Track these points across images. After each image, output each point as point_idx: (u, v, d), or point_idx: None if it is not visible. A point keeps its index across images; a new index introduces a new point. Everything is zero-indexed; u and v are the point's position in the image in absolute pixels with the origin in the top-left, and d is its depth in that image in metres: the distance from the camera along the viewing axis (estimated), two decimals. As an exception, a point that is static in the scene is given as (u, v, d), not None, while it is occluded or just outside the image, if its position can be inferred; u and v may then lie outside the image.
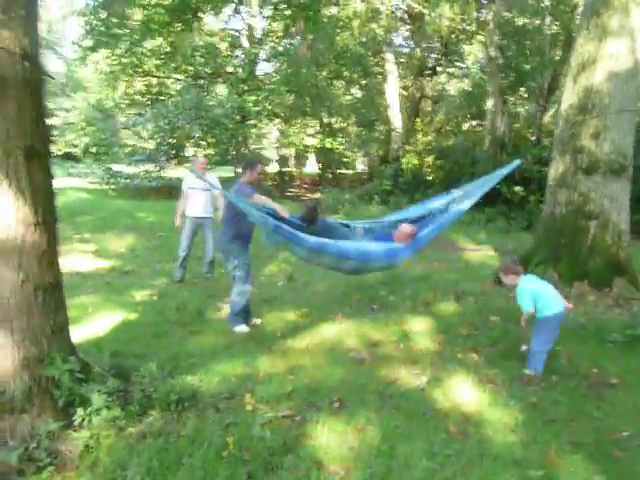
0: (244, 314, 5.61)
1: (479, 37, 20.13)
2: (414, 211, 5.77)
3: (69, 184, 19.51)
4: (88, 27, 21.59)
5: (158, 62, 24.24)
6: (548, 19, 18.31)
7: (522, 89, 22.54)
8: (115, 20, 21.60)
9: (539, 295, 4.42)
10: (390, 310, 6.25)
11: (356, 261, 5.12)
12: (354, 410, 3.78)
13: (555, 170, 6.77)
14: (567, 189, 6.53)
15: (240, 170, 23.56)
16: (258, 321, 5.78)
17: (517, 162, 5.64)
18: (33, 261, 3.24)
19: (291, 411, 3.74)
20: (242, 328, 5.50)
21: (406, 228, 5.32)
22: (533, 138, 19.18)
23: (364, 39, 22.51)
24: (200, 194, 7.60)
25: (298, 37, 22.36)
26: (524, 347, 4.75)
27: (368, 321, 5.82)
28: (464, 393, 4.08)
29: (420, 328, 5.59)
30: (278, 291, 7.29)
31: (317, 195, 23.52)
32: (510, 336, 5.29)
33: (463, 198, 5.47)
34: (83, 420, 3.15)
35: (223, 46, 24.90)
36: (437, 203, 5.65)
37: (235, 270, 5.49)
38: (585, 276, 6.19)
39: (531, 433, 3.49)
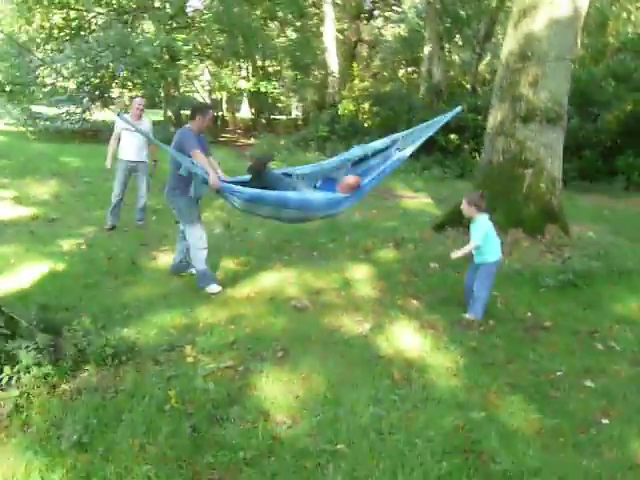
0: (210, 273, 5.17)
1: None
2: (355, 152, 5.57)
3: (-19, 125, 18.08)
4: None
5: (77, -7, 22.42)
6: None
7: (458, 36, 22.55)
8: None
9: (489, 238, 4.47)
10: (330, 258, 6.21)
11: (296, 210, 4.97)
12: (298, 359, 3.74)
13: (494, 118, 6.80)
14: (505, 137, 6.58)
15: (170, 114, 22.52)
16: (194, 270, 5.32)
17: (458, 108, 5.60)
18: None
19: (234, 362, 3.65)
20: (213, 288, 5.03)
21: (350, 179, 5.17)
22: (468, 86, 19.35)
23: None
24: (134, 136, 7.13)
25: None
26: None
27: (308, 269, 5.75)
28: (406, 339, 4.12)
29: (361, 275, 5.59)
30: (214, 239, 7.01)
31: (251, 140, 22.99)
32: (449, 282, 5.40)
33: (405, 143, 5.37)
34: (11, 379, 2.92)
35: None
36: (379, 144, 5.51)
37: (183, 223, 5.18)
38: (520, 223, 6.34)
39: (472, 376, 3.57)
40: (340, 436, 2.85)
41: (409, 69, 26.66)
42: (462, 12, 20.05)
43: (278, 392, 3.29)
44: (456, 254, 4.52)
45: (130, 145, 7.20)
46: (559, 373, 3.68)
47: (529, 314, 4.69)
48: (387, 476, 2.55)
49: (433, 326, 4.37)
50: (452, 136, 14.47)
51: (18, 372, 2.93)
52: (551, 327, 4.45)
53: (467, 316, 4.53)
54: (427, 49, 18.16)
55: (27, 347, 3.00)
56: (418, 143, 5.31)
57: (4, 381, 2.92)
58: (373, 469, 2.60)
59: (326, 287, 5.25)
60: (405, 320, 4.46)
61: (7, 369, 2.92)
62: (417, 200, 10.51)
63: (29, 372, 2.97)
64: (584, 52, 18.35)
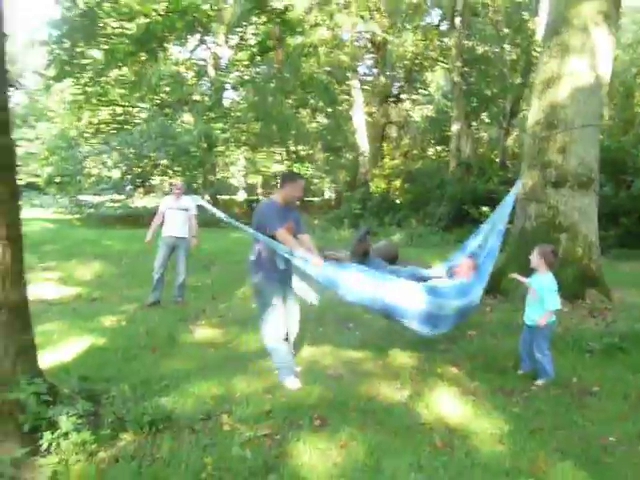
0: (289, 365, 4.54)
1: (441, 64, 20.66)
2: (457, 255, 5.68)
3: (32, 215, 19.04)
4: (51, 57, 21.41)
5: (123, 91, 24.14)
6: (508, 46, 18.93)
7: (485, 114, 23.15)
8: (79, 50, 21.50)
9: None
10: (365, 328, 6.16)
11: (427, 299, 4.56)
12: (336, 427, 3.66)
13: (524, 185, 6.87)
14: (537, 203, 6.63)
15: (208, 198, 23.30)
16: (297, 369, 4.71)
17: (518, 183, 5.66)
18: (-4, 278, 3.08)
19: (271, 430, 3.60)
20: (291, 382, 4.42)
21: (466, 261, 5.23)
22: (497, 160, 19.62)
23: (329, 68, 22.87)
24: (177, 214, 7.47)
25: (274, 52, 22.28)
26: (520, 372, 4.67)
27: (344, 340, 5.71)
28: (447, 406, 4.00)
29: (397, 345, 5.51)
30: (250, 313, 7.11)
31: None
32: (488, 349, 5.27)
33: (493, 228, 5.39)
34: (50, 445, 2.95)
35: (189, 75, 24.96)
36: (474, 242, 5.60)
37: (261, 313, 4.55)
38: (559, 288, 6.21)
39: (518, 443, 3.43)
40: (381, 503, 2.74)
41: (438, 147, 27.27)
42: (487, 91, 20.70)
43: (316, 460, 3.21)
44: (541, 322, 4.38)
45: (173, 222, 7.48)
46: (611, 439, 3.49)
47: (575, 379, 4.51)
48: None
49: (474, 393, 4.24)
50: (484, 208, 14.54)
51: (57, 438, 2.96)
52: (599, 392, 4.26)
53: (539, 382, 4.41)
54: (455, 127, 18.65)
55: (67, 413, 3.04)
56: (505, 219, 5.29)
57: (44, 447, 2.95)
58: (417, 537, 2.47)
59: (362, 356, 5.18)
60: (445, 387, 4.35)
61: (47, 435, 2.96)
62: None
63: (68, 439, 2.98)
64: (612, 123, 18.56)
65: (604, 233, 11.07)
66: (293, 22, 19.41)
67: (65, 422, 2.98)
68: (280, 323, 4.46)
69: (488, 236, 5.35)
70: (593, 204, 6.59)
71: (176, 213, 7.47)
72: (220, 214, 4.46)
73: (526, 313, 4.59)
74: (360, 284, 4.51)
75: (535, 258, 4.51)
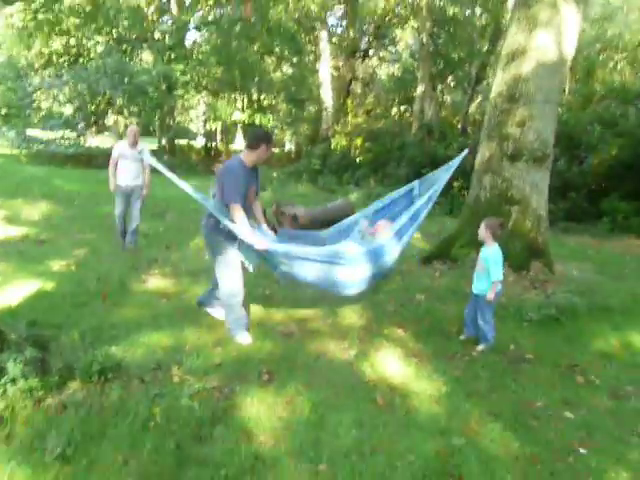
0: (244, 319, 4.60)
1: (411, 23, 20.41)
2: (375, 205, 5.69)
3: (-24, 146, 18.17)
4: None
5: (78, 21, 22.83)
6: (479, 10, 18.83)
7: (450, 77, 23.16)
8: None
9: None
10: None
11: (347, 268, 4.47)
12: (283, 382, 3.78)
13: (482, 155, 7.01)
14: (492, 174, 6.78)
15: (165, 142, 22.59)
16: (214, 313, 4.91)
17: (465, 152, 5.71)
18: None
19: (220, 383, 3.69)
20: (244, 337, 4.50)
21: (381, 223, 5.25)
22: (459, 126, 19.79)
23: (297, 15, 22.27)
24: (131, 164, 7.35)
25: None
26: (462, 337, 4.86)
27: (296, 297, 5.80)
28: (391, 366, 4.17)
29: (348, 305, 5.63)
30: (204, 265, 7.09)
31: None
32: (435, 313, 5.46)
33: (422, 190, 5.46)
34: (-3, 391, 2.95)
35: (150, 10, 23.82)
36: (396, 194, 5.65)
37: (218, 269, 4.48)
38: (505, 259, 6.41)
39: (454, 404, 3.63)
40: (322, 457, 2.88)
41: (402, 107, 27.23)
42: (454, 55, 20.66)
43: (262, 414, 3.32)
44: (490, 296, 4.51)
45: (127, 171, 7.36)
46: (539, 404, 3.73)
47: (512, 347, 4.75)
48: (367, 497, 2.58)
49: (418, 355, 4.43)
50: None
51: (4, 384, 2.95)
52: (533, 360, 4.51)
53: (480, 348, 4.62)
54: (420, 89, 18.63)
55: (15, 359, 3.02)
56: (437, 188, 5.33)
57: (-9, 392, 2.95)
58: (354, 489, 2.63)
59: (313, 315, 5.29)
60: (390, 348, 4.52)
61: (-6, 380, 2.95)
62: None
63: (15, 384, 2.98)
64: (572, 98, 18.91)
65: (553, 206, 11.42)
66: None
67: (12, 368, 2.98)
68: (240, 280, 4.47)
69: (410, 204, 5.39)
70: (545, 179, 6.79)
71: (130, 162, 7.34)
72: (165, 171, 4.21)
73: (474, 283, 4.77)
74: (308, 264, 4.43)
75: (482, 230, 4.66)
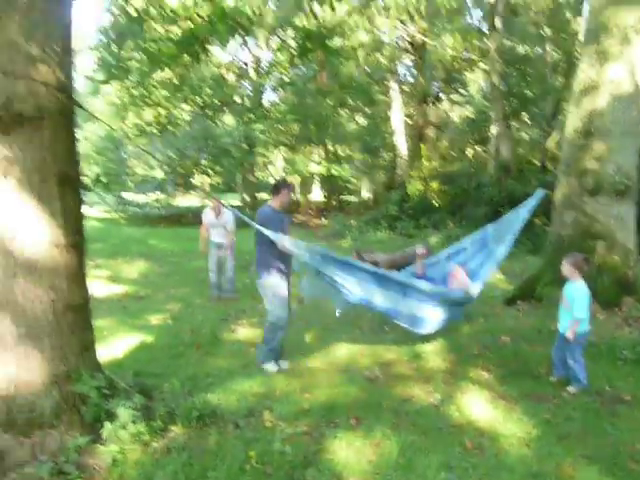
0: (276, 353, 5.18)
1: (481, 65, 20.52)
2: (449, 249, 6.14)
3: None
4: (100, 61, 22.14)
5: (166, 93, 24.74)
6: (549, 46, 18.69)
7: (525, 115, 22.86)
8: (126, 54, 22.16)
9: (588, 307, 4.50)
10: (400, 331, 6.32)
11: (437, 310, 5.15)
12: (370, 426, 3.86)
13: (561, 192, 6.92)
14: (573, 210, 6.67)
15: (247, 197, 23.69)
16: (285, 365, 5.21)
17: (542, 192, 5.81)
18: (63, 281, 3.39)
19: (309, 427, 3.83)
20: (269, 367, 5.07)
21: (457, 270, 5.68)
22: (538, 163, 19.39)
23: (368, 68, 22.99)
24: (218, 229, 8.15)
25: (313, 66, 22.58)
26: (552, 378, 4.78)
27: (380, 342, 5.91)
28: (477, 409, 4.16)
29: (431, 348, 5.67)
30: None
31: (323, 221, 23.72)
32: (521, 355, 5.36)
33: (500, 234, 5.69)
34: (110, 434, 3.25)
35: (230, 77, 25.42)
36: (471, 238, 6.17)
37: (270, 304, 5.08)
38: (594, 296, 6.20)
39: (545, 447, 3.56)
40: (412, 499, 2.94)
41: (477, 148, 27.04)
42: (528, 92, 20.47)
43: (351, 457, 3.43)
44: (570, 335, 4.47)
45: (216, 234, 8.15)
46: (639, 447, 3.59)
47: (607, 388, 4.59)
48: (458, 538, 2.61)
49: (504, 397, 4.38)
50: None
51: (117, 428, 3.25)
52: (630, 401, 4.34)
53: (571, 389, 4.52)
54: (494, 128, 18.49)
55: (125, 406, 3.33)
56: (515, 232, 5.60)
57: (105, 436, 3.25)
58: (445, 531, 2.66)
59: (397, 359, 5.37)
60: (476, 391, 4.50)
61: (108, 425, 3.26)
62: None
63: (126, 429, 3.28)
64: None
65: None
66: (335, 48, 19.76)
67: (123, 414, 3.28)
68: (287, 313, 5.09)
69: (492, 250, 5.65)
70: (631, 212, 6.59)
71: (218, 229, 8.14)
72: (242, 216, 4.99)
73: (559, 321, 4.69)
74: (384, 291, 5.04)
75: (565, 267, 4.61)
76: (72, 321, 3.45)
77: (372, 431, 3.78)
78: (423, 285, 5.22)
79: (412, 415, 4.06)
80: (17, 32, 3.17)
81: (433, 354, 5.46)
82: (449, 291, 5.63)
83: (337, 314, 5.18)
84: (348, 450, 3.50)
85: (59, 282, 3.37)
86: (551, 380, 4.75)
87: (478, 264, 5.67)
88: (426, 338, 5.79)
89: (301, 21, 21.78)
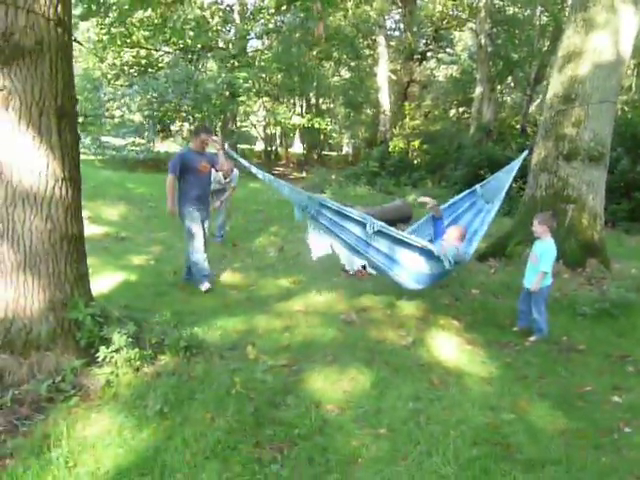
0: (207, 271, 5.98)
1: (470, 24, 20.42)
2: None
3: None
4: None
5: (147, 33, 24.06)
6: (538, 10, 18.65)
7: (510, 78, 22.94)
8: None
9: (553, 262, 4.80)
10: (377, 280, 6.60)
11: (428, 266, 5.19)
12: (346, 363, 4.15)
13: (538, 155, 7.17)
14: (548, 173, 6.94)
15: (227, 146, 23.62)
16: (206, 286, 5.92)
17: (525, 153, 6.12)
18: (60, 212, 3.54)
19: (289, 361, 4.12)
20: (205, 286, 5.88)
21: (455, 229, 5.71)
22: (518, 127, 19.63)
23: (355, 20, 22.66)
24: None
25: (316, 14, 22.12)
26: (516, 329, 5.12)
27: (357, 289, 6.18)
28: (445, 352, 4.48)
29: (406, 297, 5.94)
30: (270, 261, 7.62)
31: (304, 174, 23.77)
32: (489, 307, 5.70)
33: (488, 195, 5.94)
34: (105, 358, 3.46)
35: (214, 21, 24.79)
36: (459, 198, 6.30)
37: (187, 234, 5.94)
38: (561, 256, 6.58)
39: (505, 386, 3.90)
40: (382, 424, 3.24)
41: (460, 109, 27.15)
42: (514, 55, 20.50)
43: (328, 387, 3.72)
44: (534, 286, 4.78)
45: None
46: (588, 388, 3.95)
47: (564, 338, 4.95)
48: (424, 456, 2.92)
49: (471, 343, 4.71)
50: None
51: (111, 352, 3.47)
52: (585, 350, 4.70)
53: (533, 338, 4.85)
54: (478, 90, 18.62)
55: (119, 332, 3.54)
56: (502, 193, 5.85)
57: (100, 359, 3.47)
58: (411, 450, 2.97)
59: (373, 306, 5.66)
60: (446, 336, 4.82)
61: (103, 349, 3.47)
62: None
63: (119, 353, 3.49)
64: (637, 95, 18.43)
65: (616, 207, 11.33)
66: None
67: (118, 339, 3.49)
68: (202, 242, 5.89)
69: (480, 209, 5.86)
70: (602, 178, 6.89)
71: (220, 186, 8.14)
72: (245, 163, 5.32)
73: (526, 276, 5.00)
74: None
75: (537, 226, 4.89)
76: (67, 251, 3.61)
77: (347, 367, 4.06)
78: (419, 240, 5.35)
79: (385, 355, 4.36)
80: (18, -38, 3.20)
81: (407, 303, 5.75)
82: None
83: (350, 270, 5.45)
84: (325, 382, 3.79)
85: (56, 213, 3.51)
86: (515, 330, 5.09)
87: (469, 222, 5.94)
88: (402, 290, 6.08)
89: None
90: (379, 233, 5.12)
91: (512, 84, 24.02)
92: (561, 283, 6.30)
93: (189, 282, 6.13)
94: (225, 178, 8.03)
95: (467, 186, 6.55)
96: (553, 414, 3.51)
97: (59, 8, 3.39)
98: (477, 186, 6.27)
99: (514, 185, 14.49)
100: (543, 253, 4.78)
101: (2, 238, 3.38)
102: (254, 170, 5.23)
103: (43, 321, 3.49)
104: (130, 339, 3.58)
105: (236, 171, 8.21)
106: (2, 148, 3.30)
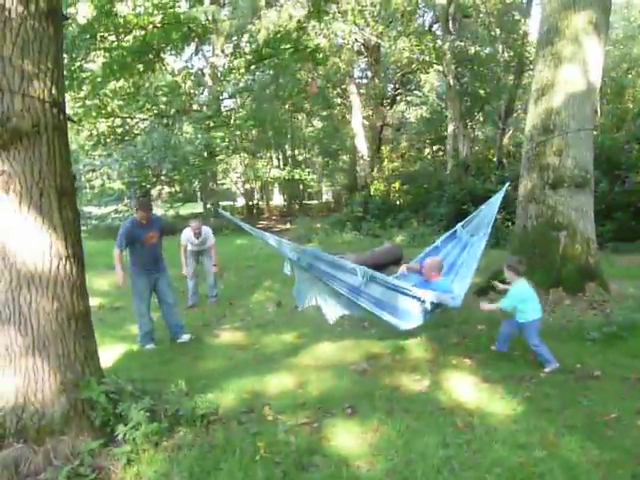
0: (149, 334, 6.31)
1: (435, 66, 21.10)
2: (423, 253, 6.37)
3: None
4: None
5: (121, 103, 24.44)
6: (500, 47, 19.38)
7: (480, 113, 23.59)
8: (78, 64, 21.84)
9: (528, 299, 4.93)
10: (381, 326, 6.56)
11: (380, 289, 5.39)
12: (366, 414, 4.07)
13: (524, 187, 7.31)
14: (536, 203, 7.06)
15: (209, 206, 23.53)
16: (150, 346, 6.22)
17: (506, 185, 6.27)
18: (66, 291, 3.48)
19: (308, 419, 4.02)
20: (149, 346, 6.19)
21: (428, 261, 5.77)
22: (495, 159, 20.06)
23: (323, 72, 23.32)
24: (197, 247, 8.33)
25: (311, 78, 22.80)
26: (493, 347, 5.37)
27: (363, 338, 6.13)
28: (464, 392, 4.42)
29: (413, 341, 5.91)
30: (270, 316, 7.56)
31: (288, 225, 23.88)
32: (496, 341, 5.66)
33: (473, 227, 6.00)
34: (124, 436, 3.35)
35: (186, 85, 25.30)
36: (445, 236, 6.38)
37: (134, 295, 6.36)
38: (559, 283, 6.66)
39: (530, 421, 3.84)
40: (416, 475, 3.16)
41: (434, 147, 27.73)
42: (481, 91, 21.14)
43: (353, 442, 3.63)
44: (485, 306, 5.21)
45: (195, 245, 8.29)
46: (613, 415, 3.91)
47: (578, 365, 4.92)
48: (464, 505, 2.84)
49: (487, 380, 4.66)
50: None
51: (130, 429, 3.36)
52: (601, 376, 4.68)
53: (546, 370, 4.85)
54: (451, 127, 19.07)
55: (136, 408, 3.44)
56: (488, 225, 5.90)
57: (120, 437, 3.36)
58: (450, 500, 2.89)
59: (381, 352, 5.59)
60: (460, 376, 4.76)
61: (121, 427, 3.36)
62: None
63: (138, 430, 3.39)
64: (605, 119, 19.03)
65: (601, 228, 11.50)
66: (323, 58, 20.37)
67: (136, 415, 3.39)
68: (146, 305, 6.31)
69: (467, 243, 5.95)
70: (589, 202, 7.03)
71: (197, 247, 8.29)
72: (240, 223, 5.62)
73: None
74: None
75: (505, 272, 5.10)
76: (75, 329, 3.54)
77: (368, 418, 3.98)
78: (409, 286, 5.45)
79: (404, 402, 4.28)
80: (11, 49, 3.25)
81: (415, 346, 5.70)
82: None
83: (330, 321, 5.63)
84: (349, 436, 3.70)
85: (62, 292, 3.46)
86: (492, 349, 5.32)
87: (455, 257, 5.99)
88: (407, 332, 6.03)
89: (257, 28, 21.99)
90: (371, 279, 5.34)
91: (482, 119, 24.69)
92: (564, 310, 6.33)
93: (178, 337, 6.46)
94: (197, 238, 8.08)
95: (453, 222, 6.62)
96: (584, 446, 3.45)
97: (54, 90, 3.44)
98: (458, 226, 6.23)
99: (498, 216, 14.78)
100: (509, 292, 4.97)
101: (9, 323, 3.32)
102: (247, 227, 5.56)
103: (56, 404, 3.38)
104: (146, 414, 3.47)
105: (206, 228, 8.29)
106: (5, 232, 3.28)
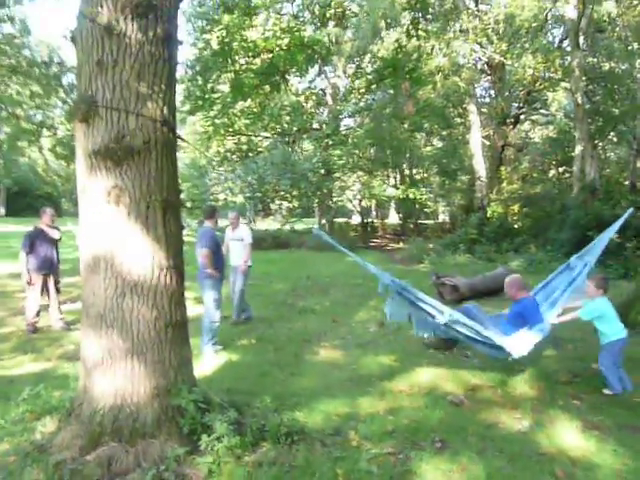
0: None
1: (563, 84, 19.96)
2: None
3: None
4: (187, 93, 23.56)
5: (247, 122, 25.78)
6: (638, 62, 17.93)
7: (612, 133, 21.93)
8: (210, 85, 23.45)
9: (608, 317, 4.89)
10: (485, 357, 6.22)
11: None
12: (456, 450, 3.85)
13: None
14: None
15: (324, 222, 24.05)
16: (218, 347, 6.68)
17: (630, 211, 5.78)
18: (165, 300, 3.66)
19: (394, 449, 3.87)
20: (214, 352, 6.54)
21: (509, 280, 5.74)
22: (627, 183, 18.51)
23: (443, 91, 22.95)
24: (235, 244, 8.33)
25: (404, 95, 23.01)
26: (606, 391, 4.97)
27: (464, 367, 5.84)
28: (568, 438, 4.04)
29: (518, 375, 5.54)
30: (370, 336, 7.45)
31: (400, 245, 23.63)
32: (614, 384, 5.15)
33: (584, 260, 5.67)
34: (207, 446, 3.43)
35: (309, 104, 26.11)
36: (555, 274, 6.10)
37: (207, 303, 6.88)
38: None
39: (643, 480, 3.42)
40: (502, 524, 2.91)
41: (560, 169, 26.14)
42: (615, 110, 19.66)
43: (438, 479, 3.43)
44: (561, 318, 5.21)
45: (233, 251, 8.35)
46: None
47: None
48: None
49: (598, 427, 4.22)
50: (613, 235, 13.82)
51: (213, 441, 3.44)
52: None
53: (605, 392, 4.80)
54: (578, 148, 17.87)
55: (220, 420, 3.52)
56: (597, 253, 5.67)
57: (202, 447, 3.45)
58: None
59: (482, 384, 5.29)
60: (567, 420, 4.37)
61: (205, 437, 3.45)
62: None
63: (221, 442, 3.45)
64: None
65: None
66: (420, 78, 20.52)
67: (220, 427, 3.46)
68: (219, 311, 6.83)
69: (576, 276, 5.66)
70: None
71: (234, 243, 8.30)
72: (330, 241, 5.64)
73: None
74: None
75: (588, 288, 5.08)
76: (172, 338, 3.71)
77: (458, 455, 3.76)
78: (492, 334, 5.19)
79: (499, 441, 4.00)
80: (129, 73, 3.51)
81: (520, 381, 5.34)
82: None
83: (426, 338, 5.53)
84: (435, 473, 3.51)
85: (161, 301, 3.64)
86: None
87: (563, 284, 5.65)
88: (512, 365, 5.67)
89: (378, 49, 22.24)
90: (457, 322, 5.14)
91: (615, 139, 22.92)
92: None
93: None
94: (233, 229, 8.20)
95: (575, 249, 6.16)
96: None
97: (165, 110, 3.66)
98: (573, 258, 5.97)
99: (629, 245, 13.56)
100: (587, 304, 5.04)
101: (112, 327, 3.54)
102: (345, 250, 5.74)
103: (149, 408, 3.55)
104: (231, 426, 3.53)
105: (244, 226, 8.45)
106: (114, 243, 3.52)
